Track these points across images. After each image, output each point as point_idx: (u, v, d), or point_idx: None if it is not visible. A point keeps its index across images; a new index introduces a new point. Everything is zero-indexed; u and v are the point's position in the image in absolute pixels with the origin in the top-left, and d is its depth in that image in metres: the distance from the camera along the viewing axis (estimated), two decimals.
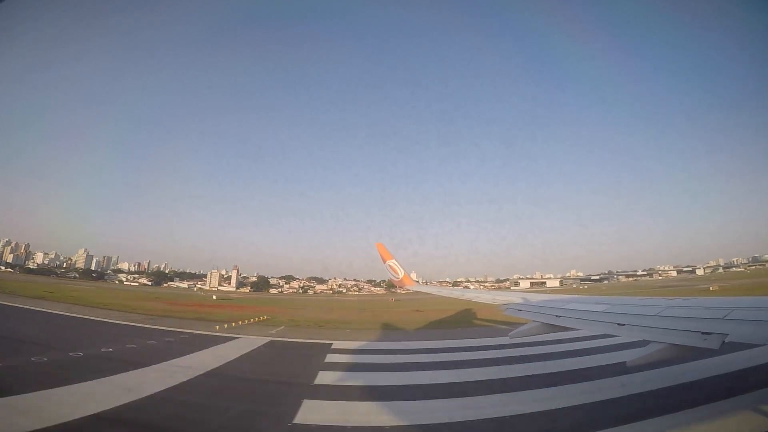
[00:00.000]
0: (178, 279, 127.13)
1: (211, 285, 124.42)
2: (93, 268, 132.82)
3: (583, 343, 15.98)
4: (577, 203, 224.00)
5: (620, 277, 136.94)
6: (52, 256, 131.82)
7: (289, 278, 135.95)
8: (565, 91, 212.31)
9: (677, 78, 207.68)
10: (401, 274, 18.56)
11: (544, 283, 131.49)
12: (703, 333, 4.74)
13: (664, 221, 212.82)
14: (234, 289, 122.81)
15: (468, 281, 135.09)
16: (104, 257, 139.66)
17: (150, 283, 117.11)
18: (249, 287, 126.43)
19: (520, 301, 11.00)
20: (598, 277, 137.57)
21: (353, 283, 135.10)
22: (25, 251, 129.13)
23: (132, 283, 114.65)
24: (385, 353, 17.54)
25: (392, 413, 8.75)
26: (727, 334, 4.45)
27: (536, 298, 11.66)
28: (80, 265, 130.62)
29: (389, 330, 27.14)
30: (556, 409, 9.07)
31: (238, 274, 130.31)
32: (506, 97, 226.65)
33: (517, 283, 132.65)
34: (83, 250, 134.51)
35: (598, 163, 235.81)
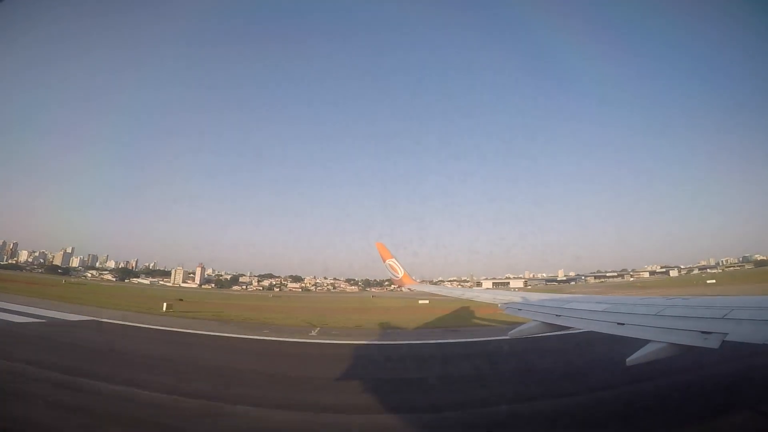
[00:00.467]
0: (143, 276, 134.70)
1: (175, 281, 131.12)
2: (77, 265, 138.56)
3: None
4: (577, 203, 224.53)
5: (589, 278, 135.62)
6: (37, 254, 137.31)
7: (267, 276, 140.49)
8: (566, 91, 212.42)
9: (678, 80, 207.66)
10: (401, 273, 18.56)
11: (507, 283, 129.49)
12: (702, 332, 4.71)
13: (664, 221, 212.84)
14: (196, 285, 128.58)
15: (449, 281, 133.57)
16: (89, 255, 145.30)
17: (114, 279, 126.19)
18: (213, 284, 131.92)
19: (519, 300, 10.98)
20: (564, 278, 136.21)
21: (330, 281, 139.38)
22: (12, 249, 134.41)
23: (94, 279, 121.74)
24: None
25: None
26: (727, 333, 4.42)
27: (536, 297, 11.63)
28: (57, 262, 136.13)
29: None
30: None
31: (203, 271, 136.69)
32: (507, 97, 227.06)
33: (479, 284, 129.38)
34: (63, 248, 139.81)
35: (599, 164, 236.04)
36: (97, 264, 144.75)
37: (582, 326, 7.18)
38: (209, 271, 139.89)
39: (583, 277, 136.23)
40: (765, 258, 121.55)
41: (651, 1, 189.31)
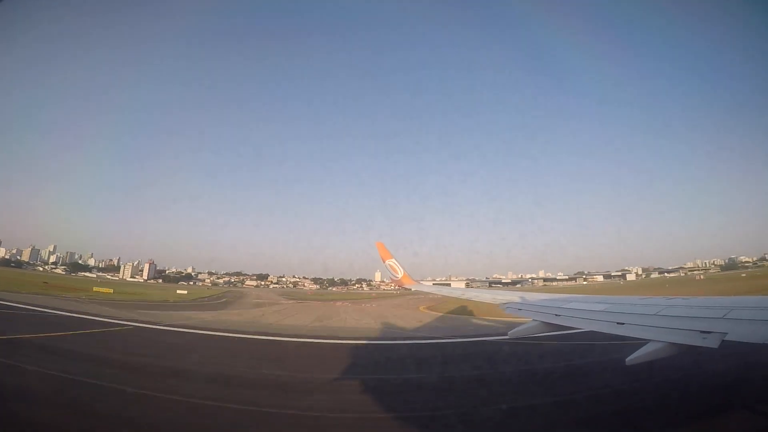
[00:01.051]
0: (95, 270, 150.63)
1: (123, 275, 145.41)
2: (53, 261, 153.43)
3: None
4: (577, 203, 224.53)
5: (537, 281, 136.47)
6: (15, 251, 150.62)
7: (237, 274, 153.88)
8: (566, 91, 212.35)
9: (678, 80, 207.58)
10: (401, 273, 18.55)
11: (449, 284, 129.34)
12: (702, 332, 4.72)
13: (663, 221, 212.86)
14: (142, 280, 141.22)
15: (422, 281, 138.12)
16: (67, 252, 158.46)
17: (63, 272, 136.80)
18: (161, 279, 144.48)
19: (519, 300, 10.99)
20: (510, 281, 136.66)
21: (296, 280, 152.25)
22: None
23: (42, 272, 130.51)
24: None
25: None
26: (727, 333, 4.42)
27: (537, 297, 11.64)
28: (25, 258, 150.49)
29: None
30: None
31: (150, 267, 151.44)
32: (507, 97, 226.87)
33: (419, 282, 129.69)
34: (32, 245, 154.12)
35: (598, 164, 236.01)
36: (80, 261, 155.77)
37: (582, 326, 7.19)
38: (189, 269, 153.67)
39: (530, 280, 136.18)
40: (748, 260, 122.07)
41: (651, 1, 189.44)
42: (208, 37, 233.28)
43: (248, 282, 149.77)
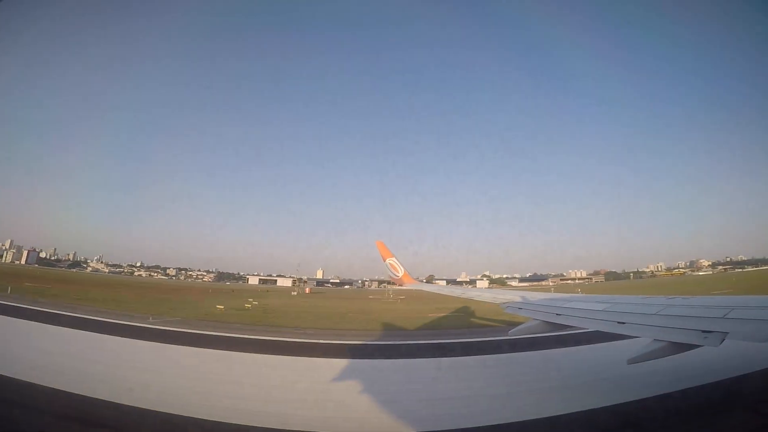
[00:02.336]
0: None
1: (6, 260, 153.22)
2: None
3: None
4: (577, 203, 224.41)
5: (372, 282, 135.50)
6: None
7: (155, 268, 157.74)
8: (566, 91, 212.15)
9: (678, 80, 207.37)
10: (401, 272, 18.59)
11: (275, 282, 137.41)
12: (703, 331, 4.72)
13: (663, 221, 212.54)
14: (20, 263, 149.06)
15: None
16: (17, 247, 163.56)
17: None
18: (37, 264, 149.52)
19: (520, 299, 11.01)
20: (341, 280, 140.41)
21: (196, 273, 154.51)
22: None
23: None
24: None
25: None
26: (728, 333, 4.43)
27: (537, 297, 11.65)
28: None
29: None
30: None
31: (30, 253, 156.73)
32: (507, 96, 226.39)
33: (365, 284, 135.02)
34: None
35: (598, 164, 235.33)
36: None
37: (583, 325, 7.20)
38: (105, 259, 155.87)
39: (359, 281, 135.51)
40: (708, 263, 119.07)
41: (651, 1, 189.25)
42: (208, 36, 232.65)
43: (137, 273, 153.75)
